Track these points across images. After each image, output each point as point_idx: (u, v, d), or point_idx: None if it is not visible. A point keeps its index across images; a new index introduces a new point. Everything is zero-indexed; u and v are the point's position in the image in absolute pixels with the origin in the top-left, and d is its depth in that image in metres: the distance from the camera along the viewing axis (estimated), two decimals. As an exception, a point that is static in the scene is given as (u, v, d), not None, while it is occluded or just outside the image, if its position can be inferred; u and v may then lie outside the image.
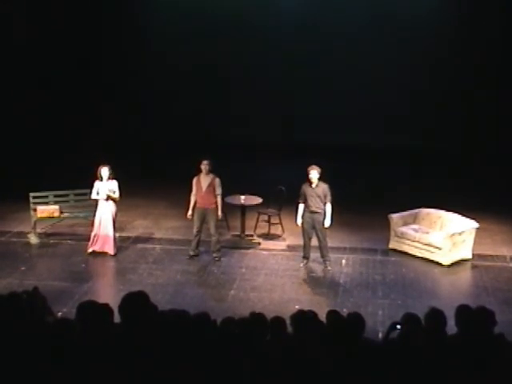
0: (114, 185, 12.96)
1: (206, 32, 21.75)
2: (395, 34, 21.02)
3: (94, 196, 13.03)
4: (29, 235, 13.85)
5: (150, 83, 22.29)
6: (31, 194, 13.97)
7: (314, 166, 12.46)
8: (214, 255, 13.02)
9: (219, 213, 12.82)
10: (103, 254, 13.10)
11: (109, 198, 12.90)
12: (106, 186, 12.89)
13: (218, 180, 12.76)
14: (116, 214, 13.12)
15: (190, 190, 12.81)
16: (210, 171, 12.74)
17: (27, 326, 6.10)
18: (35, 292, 6.89)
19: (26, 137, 19.82)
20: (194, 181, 12.80)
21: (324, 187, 12.46)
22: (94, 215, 13.11)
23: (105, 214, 12.97)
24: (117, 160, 13.92)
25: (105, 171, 12.90)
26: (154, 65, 22.30)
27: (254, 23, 21.75)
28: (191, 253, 13.00)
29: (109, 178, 12.92)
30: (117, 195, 12.98)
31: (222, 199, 12.95)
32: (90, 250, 13.13)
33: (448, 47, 20.94)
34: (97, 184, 12.95)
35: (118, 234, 13.65)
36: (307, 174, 12.44)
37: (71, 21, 21.26)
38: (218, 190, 12.73)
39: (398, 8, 21.31)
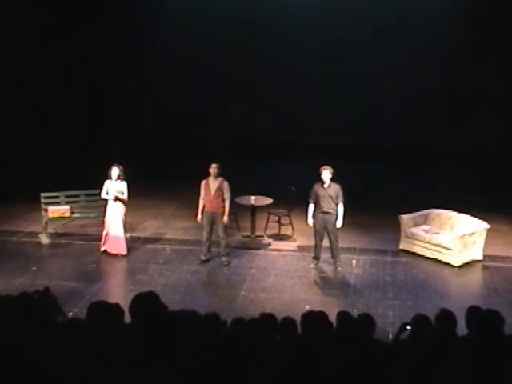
0: (122, 186, 12.98)
1: (210, 32, 21.77)
2: (401, 34, 20.96)
3: (103, 195, 13.08)
4: (40, 235, 13.90)
5: (163, 83, 22.31)
6: (42, 195, 14.02)
7: (326, 167, 12.40)
8: (223, 259, 12.93)
9: (225, 218, 12.69)
10: (114, 254, 13.13)
11: (117, 199, 12.95)
12: (114, 187, 12.94)
13: (226, 183, 12.65)
14: (125, 215, 13.15)
15: (199, 193, 12.76)
16: (219, 175, 12.63)
17: (38, 325, 6.11)
18: (46, 292, 6.92)
19: (38, 137, 19.87)
20: (203, 184, 12.69)
21: (336, 188, 12.40)
22: (105, 215, 13.17)
23: (115, 214, 13.01)
24: (128, 160, 13.92)
25: (115, 171, 12.93)
26: (165, 65, 22.31)
27: (258, 23, 21.76)
28: (203, 257, 12.93)
29: (118, 179, 12.96)
30: (125, 196, 13.00)
31: (230, 203, 12.84)
32: (102, 249, 13.19)
33: (456, 47, 20.87)
34: (107, 183, 13.00)
35: (128, 235, 13.70)
36: (319, 175, 12.39)
37: (77, 19, 21.31)
38: (226, 194, 12.62)
39: (399, 8, 21.30)
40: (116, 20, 21.87)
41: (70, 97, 21.19)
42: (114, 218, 13.03)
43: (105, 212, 13.18)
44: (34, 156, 18.74)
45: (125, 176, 13.06)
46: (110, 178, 12.97)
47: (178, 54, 22.07)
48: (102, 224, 13.27)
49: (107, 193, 13.01)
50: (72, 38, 21.06)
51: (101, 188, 13.10)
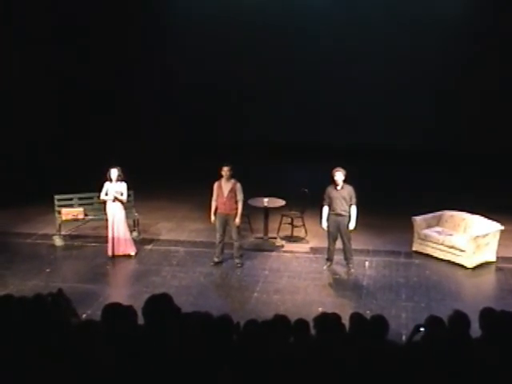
0: (122, 187, 13.00)
1: (214, 33, 21.78)
2: (407, 35, 21.00)
3: (102, 196, 13.08)
4: (54, 237, 13.95)
5: (173, 84, 22.34)
6: (56, 197, 14.07)
7: (339, 168, 12.35)
8: (237, 261, 12.92)
9: (237, 220, 12.66)
10: (126, 256, 13.15)
11: (116, 199, 12.96)
12: (114, 188, 12.95)
13: (239, 185, 12.64)
14: (126, 216, 13.19)
15: (212, 194, 12.74)
16: (232, 176, 12.62)
17: (52, 327, 6.12)
18: (60, 294, 6.91)
19: (51, 139, 19.98)
20: (215, 186, 12.68)
21: (349, 189, 12.36)
22: (106, 218, 13.17)
23: (116, 215, 13.01)
24: (140, 161, 13.91)
25: (114, 172, 12.94)
26: (170, 65, 22.35)
27: (266, 23, 21.74)
28: (216, 259, 12.93)
29: (117, 180, 12.97)
30: (124, 197, 13.02)
31: (243, 205, 12.82)
32: (110, 253, 13.14)
33: (458, 46, 20.90)
34: (106, 185, 13.01)
35: (134, 234, 13.85)
36: (332, 176, 12.35)
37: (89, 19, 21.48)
38: (239, 196, 12.61)
39: (399, 9, 21.29)
40: (122, 20, 21.96)
41: (75, 97, 21.33)
42: (117, 219, 13.03)
43: (105, 215, 13.19)
44: (47, 158, 18.82)
45: (124, 177, 13.07)
46: (110, 180, 12.98)
47: (184, 54, 22.15)
48: (106, 227, 13.24)
49: (106, 194, 13.01)
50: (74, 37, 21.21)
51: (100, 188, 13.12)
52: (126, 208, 13.21)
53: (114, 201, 12.97)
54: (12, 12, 19.12)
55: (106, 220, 13.19)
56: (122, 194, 12.99)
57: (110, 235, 13.07)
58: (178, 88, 22.27)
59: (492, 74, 20.57)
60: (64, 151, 20.01)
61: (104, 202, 13.17)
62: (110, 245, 13.11)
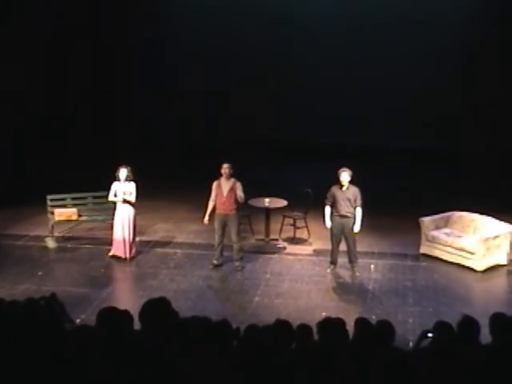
0: (131, 186, 12.85)
1: (219, 31, 21.80)
2: (407, 35, 21.04)
3: (111, 197, 12.95)
4: (46, 239, 13.84)
5: (174, 83, 22.34)
6: (48, 197, 14.00)
7: (345, 169, 12.23)
8: (237, 264, 12.78)
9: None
10: (122, 258, 13.00)
11: (125, 201, 12.80)
12: (122, 188, 12.80)
13: (239, 184, 12.46)
14: (135, 217, 13.01)
15: (210, 194, 12.61)
16: (231, 175, 12.46)
17: (45, 333, 6.04)
18: (53, 298, 6.85)
19: (43, 138, 19.76)
20: (214, 185, 12.52)
21: (354, 190, 12.23)
22: (113, 218, 13.02)
23: (124, 217, 12.86)
24: (138, 161, 13.82)
25: (123, 172, 12.80)
26: (174, 64, 22.34)
27: (266, 23, 21.78)
28: (215, 262, 12.80)
29: (126, 180, 12.81)
30: (132, 197, 12.85)
31: (243, 204, 12.77)
32: (111, 254, 13.02)
33: (458, 47, 20.95)
34: (114, 185, 12.88)
35: (138, 238, 13.62)
36: (337, 177, 12.24)
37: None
38: (241, 194, 12.40)
39: (411, 7, 21.36)
40: (127, 21, 21.92)
41: (79, 97, 21.36)
42: (123, 221, 12.86)
43: (113, 215, 13.05)
44: (39, 157, 18.58)
45: (133, 176, 12.93)
46: (118, 180, 12.82)
47: (189, 54, 22.18)
48: (111, 228, 13.12)
49: (115, 195, 12.86)
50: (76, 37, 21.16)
51: (108, 189, 12.97)
52: (135, 208, 13.02)
53: (123, 202, 12.83)
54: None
55: (112, 220, 13.02)
56: (130, 194, 12.84)
57: (119, 237, 12.89)
58: (178, 87, 22.26)
59: (492, 74, 20.62)
60: (60, 150, 19.80)
61: (113, 203, 13.01)
62: (119, 247, 12.89)
